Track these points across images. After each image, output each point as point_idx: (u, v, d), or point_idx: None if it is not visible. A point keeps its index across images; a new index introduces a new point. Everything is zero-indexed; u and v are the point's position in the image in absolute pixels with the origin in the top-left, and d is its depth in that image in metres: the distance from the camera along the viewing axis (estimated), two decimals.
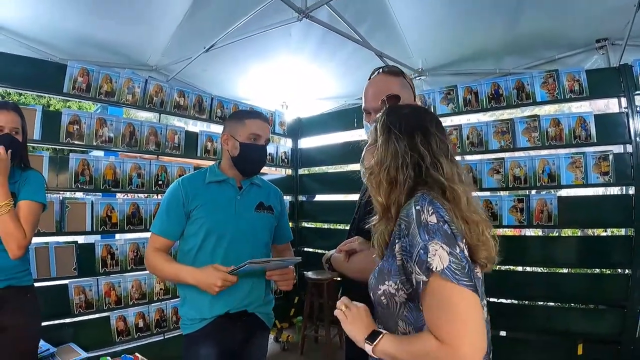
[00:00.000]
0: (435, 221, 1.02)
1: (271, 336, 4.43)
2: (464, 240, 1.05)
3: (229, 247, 1.87)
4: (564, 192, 4.00)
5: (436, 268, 0.97)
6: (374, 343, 1.09)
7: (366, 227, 1.28)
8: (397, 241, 1.08)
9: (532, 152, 3.59)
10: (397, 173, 1.13)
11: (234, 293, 1.83)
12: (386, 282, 1.12)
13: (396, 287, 1.10)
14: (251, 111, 2.08)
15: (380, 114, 1.26)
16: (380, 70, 1.71)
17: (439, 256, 0.98)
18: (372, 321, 1.20)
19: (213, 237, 1.86)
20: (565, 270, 3.63)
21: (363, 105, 1.71)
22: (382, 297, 1.14)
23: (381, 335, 1.09)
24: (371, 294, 1.20)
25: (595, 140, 3.32)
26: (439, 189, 1.11)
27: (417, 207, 1.05)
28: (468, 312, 0.96)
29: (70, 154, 3.15)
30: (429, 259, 0.98)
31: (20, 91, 9.12)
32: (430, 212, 1.03)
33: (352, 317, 1.20)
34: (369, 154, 1.26)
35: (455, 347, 0.93)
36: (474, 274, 1.03)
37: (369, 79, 1.73)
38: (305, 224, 5.23)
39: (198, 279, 1.74)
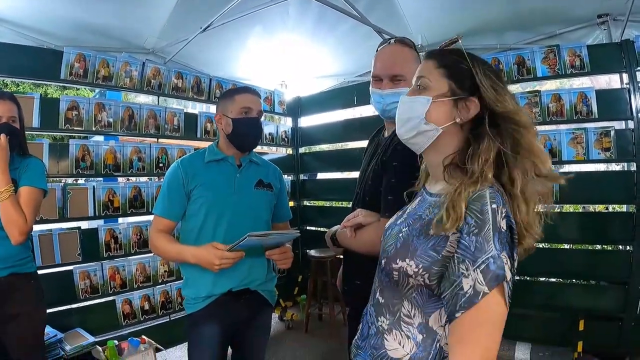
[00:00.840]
0: (505, 229, 0.93)
1: (275, 315, 4.49)
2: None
3: (229, 225, 1.87)
4: (565, 168, 3.99)
5: (505, 281, 0.89)
6: None
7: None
8: (455, 233, 0.95)
9: None
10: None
11: (236, 271, 1.84)
12: (407, 260, 1.02)
13: (416, 270, 0.99)
14: (240, 87, 2.07)
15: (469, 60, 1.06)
16: (392, 40, 1.68)
17: (507, 271, 0.90)
18: None
19: (214, 216, 1.87)
20: (567, 246, 3.64)
21: (373, 72, 1.67)
22: (395, 272, 1.05)
23: None
24: (383, 261, 1.11)
25: (597, 116, 3.30)
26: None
27: (494, 206, 0.93)
28: (500, 332, 0.92)
29: (70, 140, 3.14)
30: (501, 272, 0.89)
31: (18, 80, 9.14)
32: (502, 216, 0.93)
33: None
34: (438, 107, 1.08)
35: None
36: None
37: (379, 49, 1.70)
38: (307, 203, 5.24)
39: (199, 257, 1.75)
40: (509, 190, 1.00)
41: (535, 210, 1.01)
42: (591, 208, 4.31)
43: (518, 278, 3.54)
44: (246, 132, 1.94)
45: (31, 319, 2.02)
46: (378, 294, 1.14)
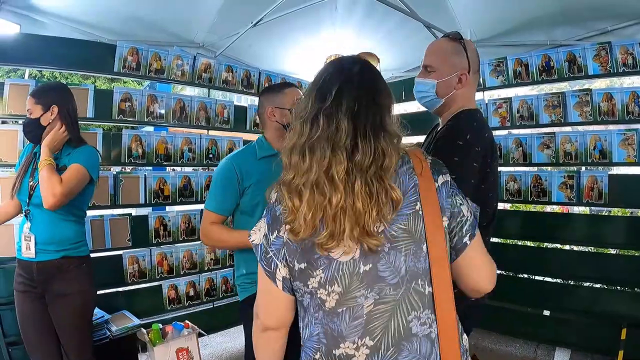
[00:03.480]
0: (273, 200, 1.08)
1: None
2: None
3: None
4: (615, 170, 3.87)
5: (252, 241, 1.11)
6: None
7: None
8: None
9: (583, 128, 3.48)
10: None
11: None
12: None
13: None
14: (283, 82, 2.26)
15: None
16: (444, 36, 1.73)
17: (256, 233, 1.11)
18: None
19: None
20: (613, 251, 3.54)
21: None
22: None
23: None
24: None
25: None
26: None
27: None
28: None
29: (122, 130, 3.25)
30: (250, 232, 1.13)
31: (67, 73, 9.44)
32: (274, 190, 1.08)
33: None
34: None
35: None
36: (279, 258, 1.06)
37: None
38: None
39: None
40: None
41: None
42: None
43: (560, 281, 3.46)
44: None
45: (79, 299, 2.12)
46: None
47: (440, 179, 1.05)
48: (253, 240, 1.10)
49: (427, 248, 0.99)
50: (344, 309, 0.98)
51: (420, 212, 0.99)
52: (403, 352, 0.96)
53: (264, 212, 1.11)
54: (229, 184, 1.95)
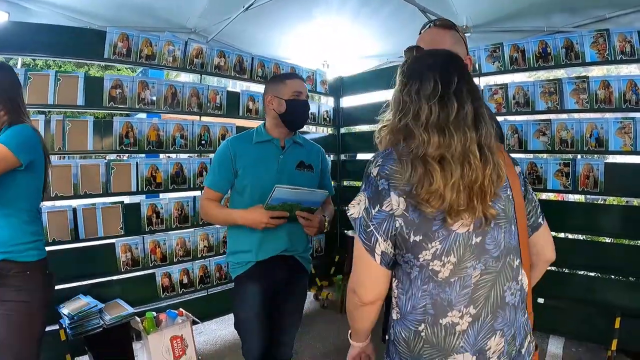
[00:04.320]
0: (374, 175, 1.09)
1: (311, 294, 4.56)
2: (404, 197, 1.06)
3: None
4: (610, 159, 3.85)
5: (352, 215, 1.13)
6: None
7: None
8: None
9: (579, 115, 3.44)
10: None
11: (279, 240, 2.11)
12: None
13: None
14: (288, 73, 2.30)
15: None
16: (432, 24, 1.65)
17: (356, 206, 1.13)
18: None
19: (257, 193, 2.05)
20: (608, 240, 3.53)
21: None
22: None
23: None
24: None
25: None
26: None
27: (370, 158, 1.13)
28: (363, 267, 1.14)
29: (114, 117, 3.22)
30: (349, 206, 1.14)
31: (60, 61, 9.30)
32: (375, 164, 1.10)
33: None
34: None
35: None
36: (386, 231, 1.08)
37: (421, 32, 1.67)
38: (346, 183, 5.21)
39: (246, 218, 1.99)
40: None
41: None
42: (635, 202, 4.16)
43: (555, 269, 3.46)
44: (298, 113, 2.15)
45: (15, 312, 1.80)
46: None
47: (517, 169, 1.24)
48: (352, 214, 1.13)
49: (516, 228, 1.16)
50: (456, 278, 1.07)
51: (511, 197, 1.16)
52: (498, 319, 1.09)
53: (363, 185, 1.14)
54: (224, 163, 2.12)
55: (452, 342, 1.06)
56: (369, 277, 1.13)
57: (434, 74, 1.07)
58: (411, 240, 1.06)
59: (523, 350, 1.14)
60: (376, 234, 1.08)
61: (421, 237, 1.05)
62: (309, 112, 2.25)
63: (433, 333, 1.07)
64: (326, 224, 2.15)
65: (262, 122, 2.27)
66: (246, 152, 2.12)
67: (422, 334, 1.08)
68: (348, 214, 1.14)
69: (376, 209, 1.08)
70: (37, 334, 1.91)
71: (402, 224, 1.06)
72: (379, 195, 1.07)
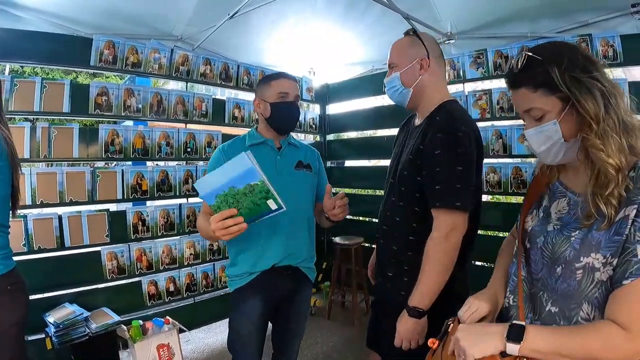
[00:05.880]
0: None
1: None
2: None
3: None
4: None
5: None
6: (522, 341, 0.94)
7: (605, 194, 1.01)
8: (634, 208, 0.93)
9: None
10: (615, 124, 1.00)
11: (279, 248, 1.95)
12: (592, 255, 0.99)
13: (604, 260, 0.97)
14: (276, 72, 2.11)
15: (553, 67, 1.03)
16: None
17: None
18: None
19: None
20: None
21: None
22: (579, 272, 1.01)
23: (525, 329, 0.95)
24: (557, 269, 1.07)
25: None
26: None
27: None
28: None
29: (99, 124, 3.21)
30: None
31: (48, 68, 9.27)
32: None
33: (471, 337, 1.03)
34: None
35: None
36: None
37: None
38: (334, 190, 5.14)
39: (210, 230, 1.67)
40: None
41: None
42: None
43: None
44: (284, 115, 2.02)
45: None
46: (549, 305, 1.09)
47: None
48: None
49: None
50: None
51: None
52: None
53: None
54: None
55: None
56: None
57: None
58: None
59: None
60: None
61: None
62: (298, 114, 2.11)
63: None
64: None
65: (254, 126, 2.17)
66: None
67: None
68: None
69: None
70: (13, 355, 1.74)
71: None
72: None
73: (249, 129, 2.16)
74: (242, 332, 1.97)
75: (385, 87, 1.79)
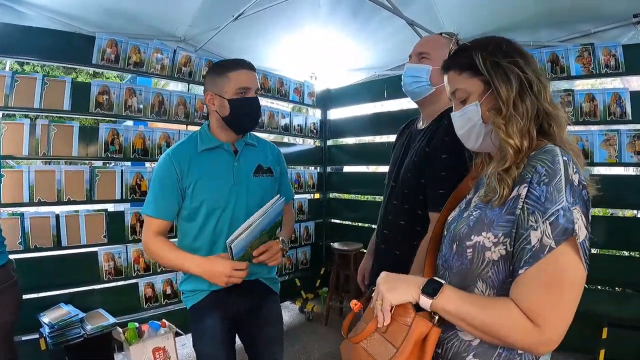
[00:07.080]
0: (577, 183, 0.90)
1: (296, 306, 4.52)
2: None
3: (233, 220, 1.74)
4: (596, 170, 3.89)
5: (577, 238, 0.86)
6: (435, 296, 0.95)
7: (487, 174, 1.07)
8: (525, 186, 0.93)
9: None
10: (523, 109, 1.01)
11: None
12: (483, 233, 0.99)
13: (495, 240, 0.96)
14: (232, 62, 1.77)
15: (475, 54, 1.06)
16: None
17: (579, 226, 0.87)
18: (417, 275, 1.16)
19: (215, 212, 1.74)
20: (594, 251, 3.54)
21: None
22: (469, 250, 1.01)
23: (442, 286, 0.96)
24: (454, 246, 1.08)
25: (631, 118, 3.21)
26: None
27: (565, 159, 0.92)
28: (576, 299, 0.88)
29: (100, 123, 3.19)
30: (570, 225, 0.86)
31: (48, 66, 9.27)
32: (574, 170, 0.91)
33: (390, 282, 1.05)
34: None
35: (547, 335, 0.86)
36: None
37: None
38: (332, 195, 5.20)
39: (205, 268, 1.61)
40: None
41: None
42: (620, 213, 4.19)
43: None
44: (246, 114, 1.76)
45: None
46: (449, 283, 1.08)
47: None
48: (578, 238, 0.87)
49: None
50: None
51: None
52: None
53: (568, 197, 0.88)
54: (169, 183, 1.71)
55: None
56: (573, 311, 0.90)
57: None
58: None
59: None
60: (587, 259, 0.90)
61: None
62: (260, 110, 1.84)
63: None
64: (287, 241, 1.83)
65: (206, 123, 1.88)
66: (194, 166, 1.72)
67: None
68: (574, 238, 0.87)
69: (589, 228, 0.91)
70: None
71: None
72: (588, 210, 0.92)
73: (199, 127, 1.91)
74: (210, 353, 1.79)
75: (407, 70, 1.69)
